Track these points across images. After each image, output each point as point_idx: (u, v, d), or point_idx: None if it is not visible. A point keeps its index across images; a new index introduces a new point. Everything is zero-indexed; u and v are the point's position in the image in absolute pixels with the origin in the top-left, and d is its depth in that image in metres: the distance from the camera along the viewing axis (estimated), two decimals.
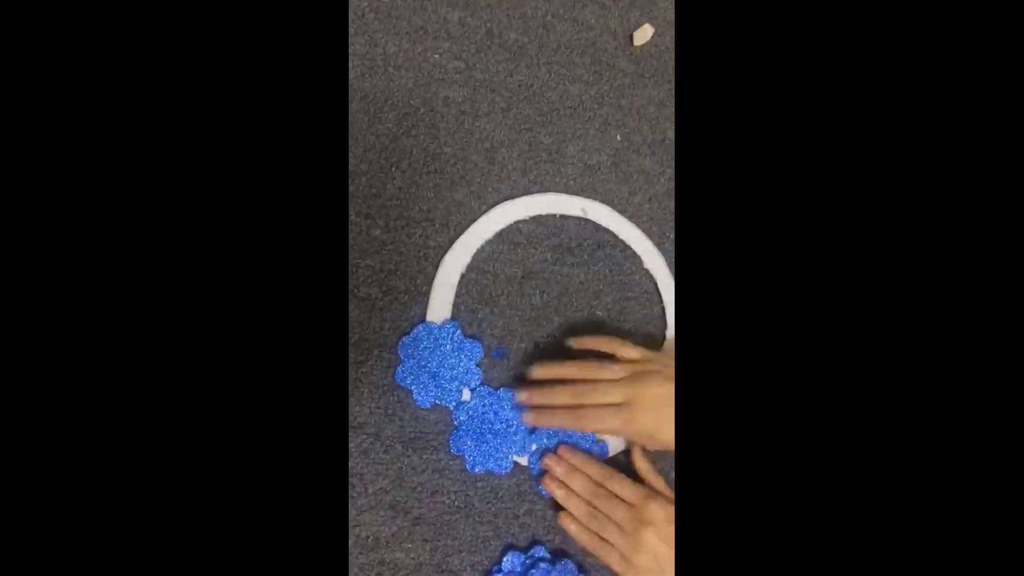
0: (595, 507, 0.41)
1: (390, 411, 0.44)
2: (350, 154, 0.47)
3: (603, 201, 0.50)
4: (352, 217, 0.46)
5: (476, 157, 0.49)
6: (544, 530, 0.45)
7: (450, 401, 0.44)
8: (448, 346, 0.45)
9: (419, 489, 0.44)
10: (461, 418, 0.44)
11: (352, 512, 0.42)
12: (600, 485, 0.41)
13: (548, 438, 0.45)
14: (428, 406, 0.44)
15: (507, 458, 0.44)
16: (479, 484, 0.44)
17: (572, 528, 0.42)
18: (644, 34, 0.53)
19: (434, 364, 0.44)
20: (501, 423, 0.44)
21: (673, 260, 0.50)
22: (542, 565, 0.42)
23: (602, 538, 0.40)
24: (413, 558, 0.42)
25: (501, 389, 0.45)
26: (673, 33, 0.54)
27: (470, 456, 0.44)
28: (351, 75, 0.48)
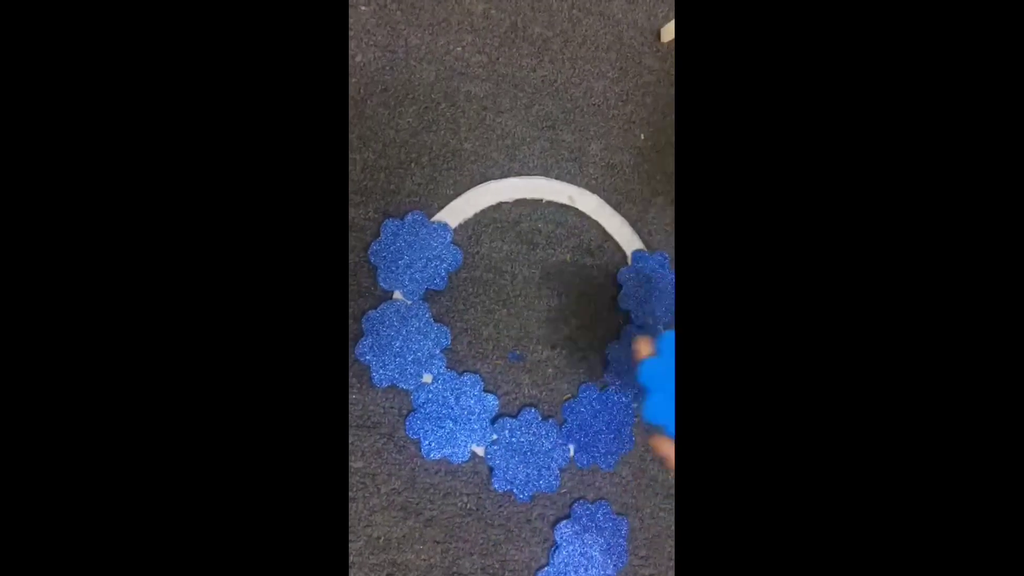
0: None
1: (404, 411, 0.44)
2: (370, 149, 0.46)
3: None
4: (371, 214, 0.45)
5: (497, 154, 0.48)
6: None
7: (409, 384, 0.43)
8: (415, 326, 0.44)
9: (431, 491, 0.43)
10: (419, 401, 0.43)
11: (364, 512, 0.42)
12: None
13: (511, 430, 0.44)
14: (385, 386, 0.43)
15: (465, 446, 0.43)
16: (492, 487, 0.44)
17: None
18: (672, 30, 0.52)
19: (397, 344, 0.43)
20: (462, 410, 0.43)
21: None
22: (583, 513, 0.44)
23: None
24: (424, 559, 0.42)
25: (466, 375, 0.44)
26: None
27: (426, 440, 0.43)
28: (373, 68, 0.47)
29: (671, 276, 0.48)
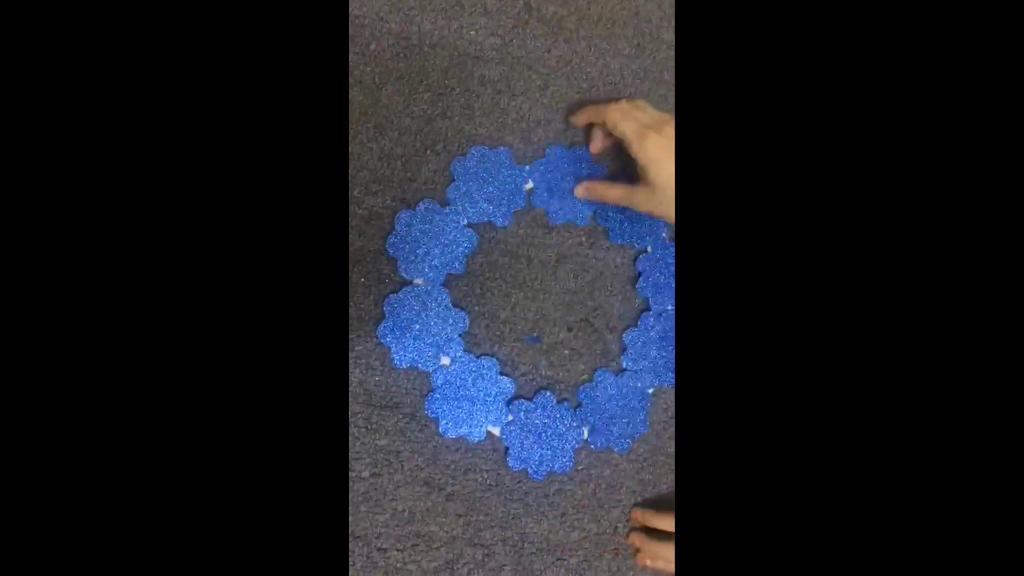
0: None
1: (425, 391, 0.45)
2: (387, 138, 0.47)
3: None
4: (388, 202, 0.46)
5: (511, 138, 0.48)
6: (573, 508, 0.46)
7: (428, 365, 0.45)
8: (434, 310, 0.45)
9: (452, 467, 0.45)
10: (438, 382, 0.45)
11: (389, 487, 0.45)
12: None
13: (526, 412, 0.45)
14: (404, 367, 0.45)
15: (481, 426, 0.45)
16: (510, 463, 0.46)
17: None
18: None
19: (417, 326, 0.45)
20: (479, 391, 0.45)
21: None
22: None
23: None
24: (446, 531, 0.45)
25: (483, 358, 0.46)
26: None
27: (444, 420, 0.45)
28: (387, 55, 0.47)
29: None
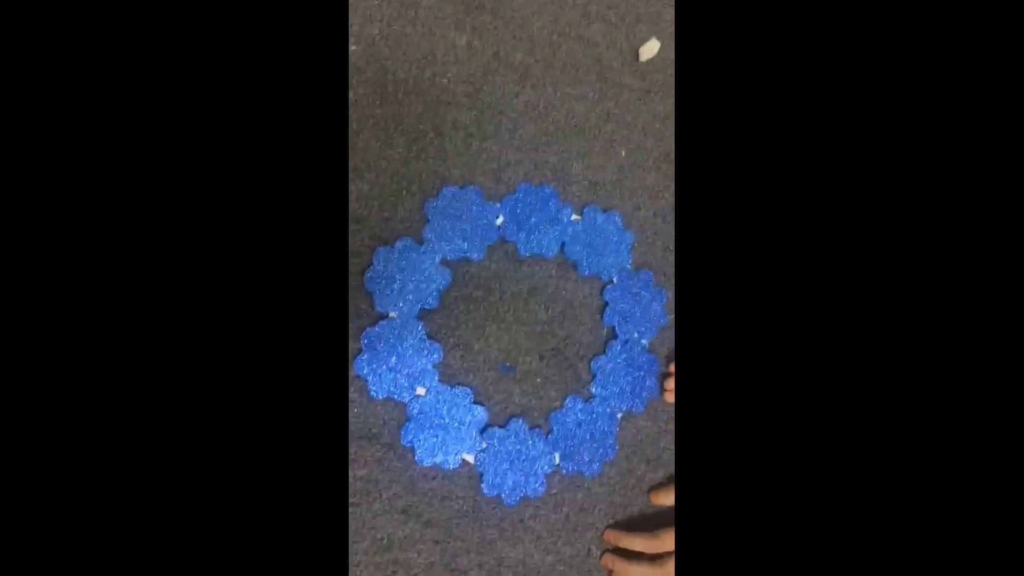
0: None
1: (401, 422, 0.47)
2: (364, 180, 0.49)
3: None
4: (366, 240, 0.49)
5: (482, 178, 0.51)
6: (547, 532, 0.48)
7: (403, 396, 0.47)
8: (409, 342, 0.47)
9: (429, 495, 0.47)
10: (413, 412, 0.47)
11: (368, 516, 0.46)
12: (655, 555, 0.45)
13: (499, 439, 0.47)
14: (381, 398, 0.47)
15: (456, 454, 0.47)
16: (484, 490, 0.47)
17: None
18: (650, 49, 0.54)
19: (393, 359, 0.47)
20: (453, 420, 0.47)
21: (671, 271, 0.51)
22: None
23: None
24: (424, 558, 0.46)
25: (457, 387, 0.48)
26: None
27: (419, 448, 0.46)
28: (364, 103, 0.50)
29: (656, 292, 0.50)
